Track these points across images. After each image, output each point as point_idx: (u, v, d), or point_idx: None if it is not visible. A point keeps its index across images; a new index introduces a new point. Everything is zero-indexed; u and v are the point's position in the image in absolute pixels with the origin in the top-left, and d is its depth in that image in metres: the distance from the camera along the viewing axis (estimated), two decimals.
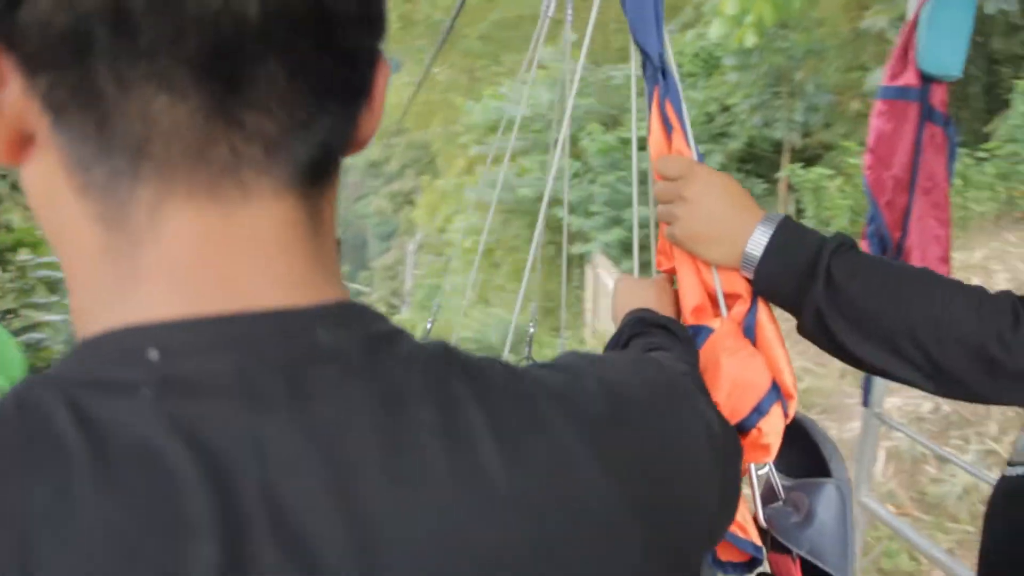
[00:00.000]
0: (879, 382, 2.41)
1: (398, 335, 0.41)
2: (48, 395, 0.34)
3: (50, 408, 0.34)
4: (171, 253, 0.37)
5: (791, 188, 8.98)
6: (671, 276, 0.96)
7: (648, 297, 0.94)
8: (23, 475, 0.32)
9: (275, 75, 0.37)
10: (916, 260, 2.05)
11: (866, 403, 2.44)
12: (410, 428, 0.37)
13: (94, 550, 0.31)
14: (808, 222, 3.60)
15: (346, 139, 0.42)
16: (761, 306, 0.89)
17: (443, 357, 0.41)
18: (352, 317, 0.40)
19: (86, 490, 0.32)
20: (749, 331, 0.89)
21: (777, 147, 10.18)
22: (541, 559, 0.38)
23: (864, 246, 2.12)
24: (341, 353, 0.38)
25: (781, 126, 9.75)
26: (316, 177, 0.41)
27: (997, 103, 8.12)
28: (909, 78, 2.03)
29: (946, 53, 2.00)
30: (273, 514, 0.33)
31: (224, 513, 0.32)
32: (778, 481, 0.95)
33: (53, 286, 5.70)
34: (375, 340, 0.40)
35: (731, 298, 0.90)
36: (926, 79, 2.02)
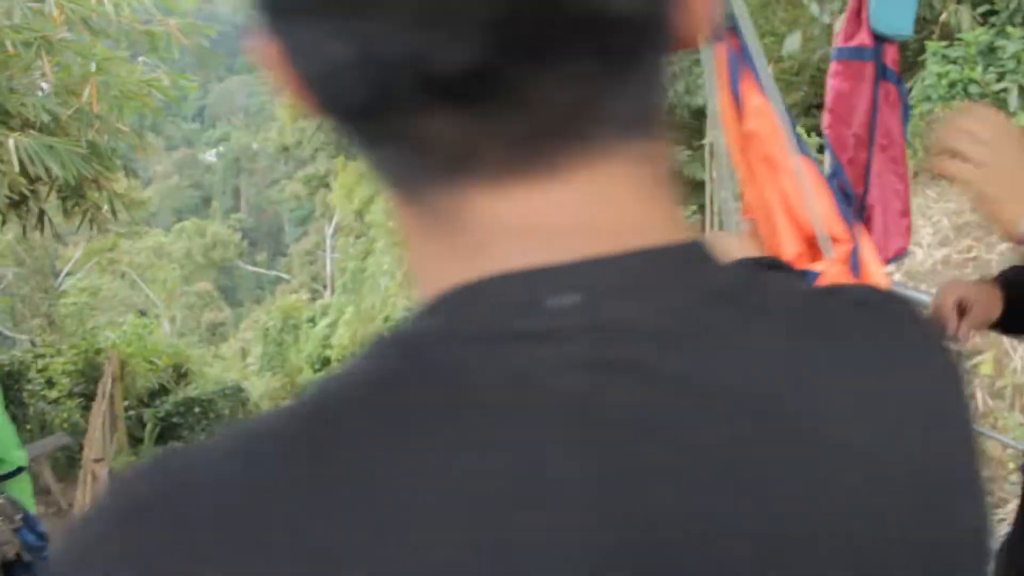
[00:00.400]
0: None
1: (759, 273, 0.39)
2: (453, 351, 0.33)
3: (465, 365, 0.32)
4: (488, 236, 0.34)
5: (714, 154, 9.12)
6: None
7: (744, 249, 0.98)
8: (472, 439, 0.31)
9: (542, 80, 0.32)
10: (879, 214, 2.11)
11: None
12: (817, 364, 0.36)
13: (571, 508, 0.30)
14: None
15: (657, 79, 0.36)
16: (864, 244, 0.93)
17: (814, 292, 0.40)
18: (711, 257, 0.37)
19: (551, 449, 0.30)
20: (855, 269, 0.92)
21: (698, 114, 10.34)
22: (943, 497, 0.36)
23: None
24: (738, 291, 0.36)
25: (703, 93, 9.90)
26: (636, 129, 0.36)
27: (906, 64, 8.40)
28: (863, 38, 2.09)
29: (897, 13, 2.06)
30: (722, 458, 0.32)
31: (678, 460, 0.32)
32: None
33: None
34: (755, 276, 0.38)
35: (834, 241, 0.93)
36: (879, 39, 2.08)
